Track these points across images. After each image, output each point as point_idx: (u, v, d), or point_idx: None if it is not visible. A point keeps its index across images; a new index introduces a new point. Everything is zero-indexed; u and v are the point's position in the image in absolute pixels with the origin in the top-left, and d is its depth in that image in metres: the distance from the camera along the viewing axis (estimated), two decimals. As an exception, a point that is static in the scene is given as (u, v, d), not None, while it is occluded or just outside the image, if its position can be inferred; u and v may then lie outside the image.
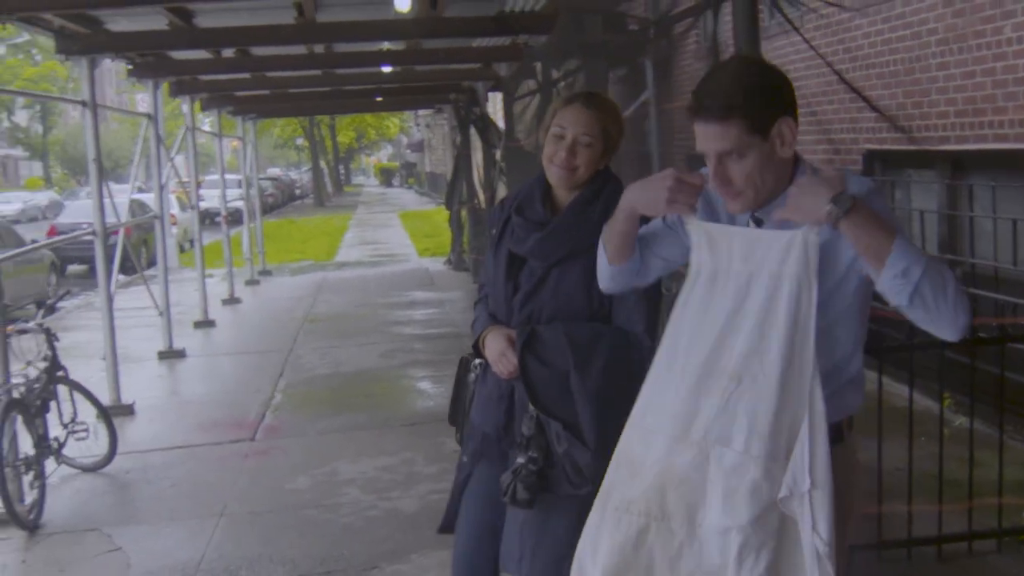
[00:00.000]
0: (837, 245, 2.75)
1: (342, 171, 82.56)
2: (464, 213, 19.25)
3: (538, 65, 10.50)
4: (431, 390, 10.51)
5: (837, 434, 2.88)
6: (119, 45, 10.02)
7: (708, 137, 2.76)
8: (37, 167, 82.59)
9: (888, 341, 5.77)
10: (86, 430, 8.02)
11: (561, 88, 9.57)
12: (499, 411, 3.71)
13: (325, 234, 32.96)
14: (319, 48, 12.92)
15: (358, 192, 76.51)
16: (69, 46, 9.57)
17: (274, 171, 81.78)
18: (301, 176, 77.38)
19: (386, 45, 13.59)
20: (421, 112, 48.19)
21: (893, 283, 2.56)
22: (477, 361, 3.84)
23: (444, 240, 24.25)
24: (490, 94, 17.36)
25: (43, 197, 56.80)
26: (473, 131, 17.16)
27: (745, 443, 2.76)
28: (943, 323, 2.58)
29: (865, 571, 5.44)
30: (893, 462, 5.57)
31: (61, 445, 7.81)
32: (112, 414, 8.75)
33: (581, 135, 3.55)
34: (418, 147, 74.02)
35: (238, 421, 9.57)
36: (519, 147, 11.97)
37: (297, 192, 69.07)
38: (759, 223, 2.89)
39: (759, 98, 2.74)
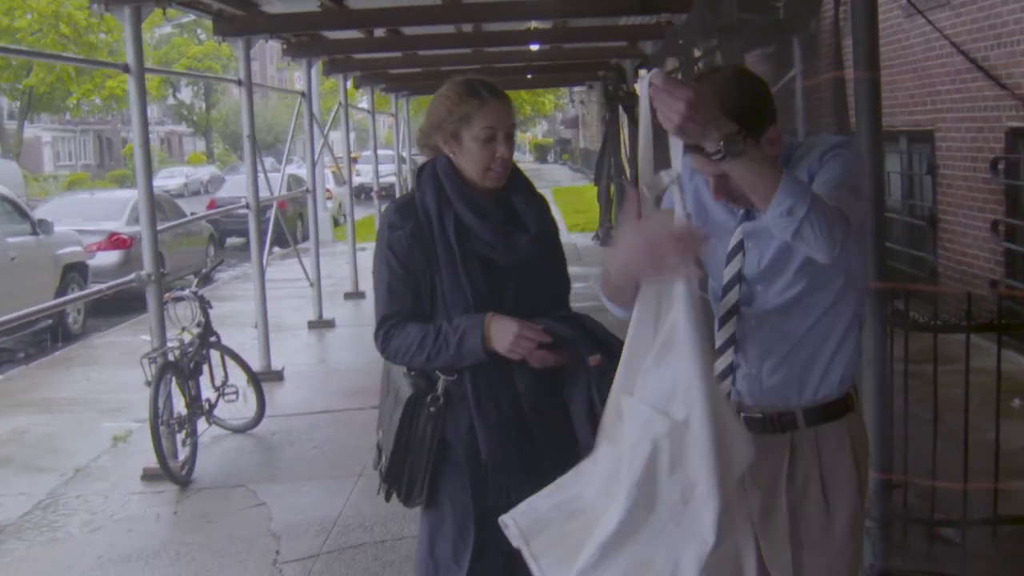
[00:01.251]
0: None
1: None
2: (612, 189, 19.45)
3: (680, 44, 10.64)
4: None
5: (841, 407, 3.04)
6: (274, 26, 10.47)
7: (705, 164, 2.72)
8: (200, 143, 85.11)
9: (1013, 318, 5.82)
10: (236, 393, 8.49)
11: (701, 67, 9.68)
12: (519, 431, 3.52)
13: (476, 210, 33.32)
14: (467, 27, 13.22)
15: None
16: (226, 28, 10.05)
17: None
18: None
19: (533, 24, 13.84)
20: (575, 89, 48.33)
21: (778, 221, 2.62)
22: (444, 383, 3.52)
23: (593, 216, 24.43)
24: (640, 71, 17.51)
25: (205, 172, 58.79)
26: (621, 108, 17.36)
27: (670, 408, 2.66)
28: (819, 252, 2.67)
29: (980, 546, 5.54)
30: (1020, 441, 5.64)
31: (212, 406, 8.31)
32: (262, 379, 9.22)
33: (509, 128, 3.47)
34: (572, 123, 74.09)
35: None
36: (664, 125, 12.09)
37: (452, 167, 69.84)
38: (749, 216, 3.04)
39: (749, 114, 2.79)
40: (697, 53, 9.78)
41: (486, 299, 3.46)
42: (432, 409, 3.50)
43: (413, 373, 3.55)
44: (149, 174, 7.73)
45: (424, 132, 3.58)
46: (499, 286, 3.49)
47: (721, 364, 3.08)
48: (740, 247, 3.06)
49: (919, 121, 12.20)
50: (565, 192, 39.63)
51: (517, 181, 3.61)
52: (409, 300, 3.47)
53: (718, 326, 3.12)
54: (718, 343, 3.10)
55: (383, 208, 3.54)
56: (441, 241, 3.47)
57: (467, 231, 3.48)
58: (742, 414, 3.06)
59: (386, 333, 3.47)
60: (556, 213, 30.48)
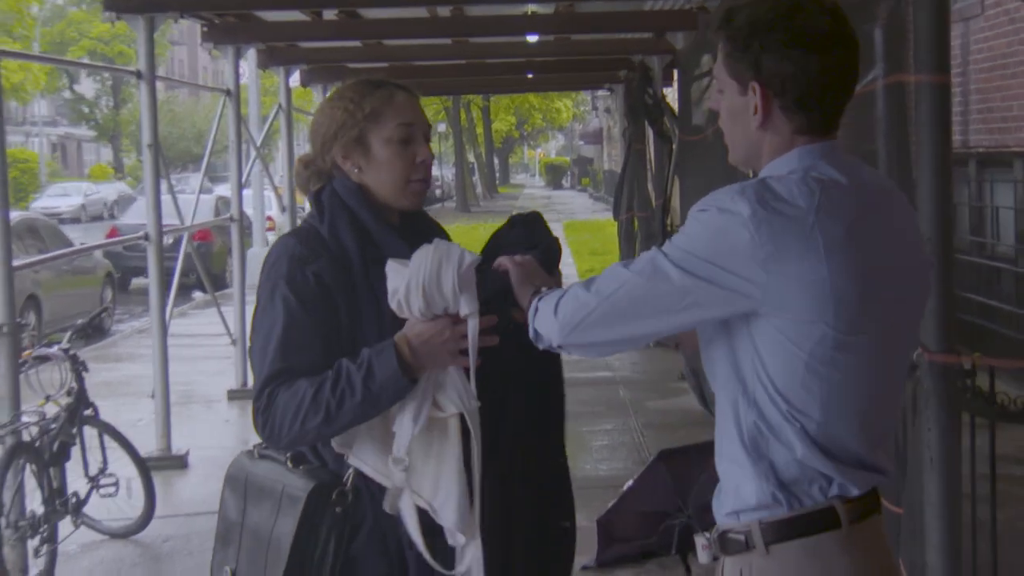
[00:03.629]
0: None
1: (497, 167, 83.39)
2: (636, 224, 19.42)
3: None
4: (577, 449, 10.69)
5: (736, 543, 3.01)
6: (185, 2, 10.34)
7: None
8: (106, 151, 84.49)
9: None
10: (115, 484, 8.40)
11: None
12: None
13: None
14: (444, 11, 13.21)
15: (516, 194, 77.17)
16: (119, 1, 9.91)
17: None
18: (443, 172, 77.90)
19: (531, 7, 13.86)
20: (599, 93, 48.50)
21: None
22: (353, 475, 3.40)
23: (613, 258, 24.47)
24: (675, 72, 17.51)
25: (111, 190, 58.39)
26: (647, 121, 17.34)
27: None
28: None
29: None
30: None
31: (82, 502, 8.19)
32: (159, 467, 9.19)
33: (426, 128, 3.55)
34: (595, 138, 74.40)
35: (316, 481, 9.86)
36: (701, 140, 12.04)
37: (437, 193, 69.89)
38: None
39: (742, 41, 2.92)
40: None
41: None
42: (339, 510, 3.35)
43: (302, 467, 3.41)
44: (5, 195, 7.68)
45: (309, 156, 3.57)
46: None
47: None
48: None
49: (1042, 139, 12.19)
50: (580, 227, 39.76)
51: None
52: (309, 356, 3.31)
53: None
54: None
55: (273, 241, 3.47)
56: (364, 287, 3.41)
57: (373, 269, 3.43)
58: None
59: (269, 397, 3.28)
60: (566, 255, 30.52)
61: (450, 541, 3.34)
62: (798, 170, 2.89)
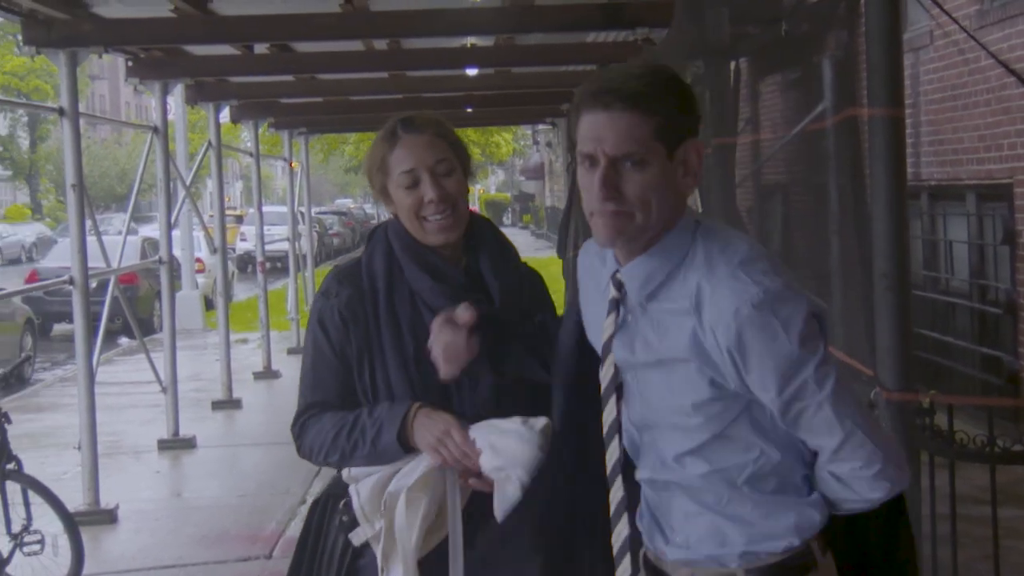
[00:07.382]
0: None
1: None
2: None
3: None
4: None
5: (796, 567, 2.97)
6: (108, 37, 10.24)
7: (609, 129, 2.83)
8: (22, 192, 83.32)
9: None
10: (40, 542, 8.27)
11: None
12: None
13: (401, 288, 33.41)
14: (381, 44, 13.23)
15: (455, 233, 76.82)
16: (40, 35, 9.80)
17: (345, 202, 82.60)
18: (380, 210, 77.72)
19: (471, 40, 13.88)
20: (540, 127, 48.47)
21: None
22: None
23: (559, 297, 24.45)
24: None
25: (29, 231, 58.02)
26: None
27: None
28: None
29: None
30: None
31: (4, 561, 8.08)
32: (87, 522, 9.09)
33: (432, 164, 3.63)
34: (536, 173, 74.25)
35: (254, 533, 9.85)
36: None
37: (369, 234, 69.55)
38: (619, 288, 3.01)
39: (678, 101, 2.87)
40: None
41: (445, 397, 3.62)
42: (344, 519, 3.71)
43: (331, 479, 3.87)
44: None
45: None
46: (462, 378, 3.59)
47: (617, 537, 3.09)
48: (616, 384, 3.09)
49: (992, 172, 12.26)
50: (523, 266, 39.52)
51: (483, 236, 3.75)
52: (335, 389, 3.72)
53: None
54: (613, 505, 3.11)
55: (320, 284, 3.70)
56: (388, 316, 3.68)
57: (420, 302, 3.68)
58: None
59: (302, 427, 3.75)
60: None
61: None
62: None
